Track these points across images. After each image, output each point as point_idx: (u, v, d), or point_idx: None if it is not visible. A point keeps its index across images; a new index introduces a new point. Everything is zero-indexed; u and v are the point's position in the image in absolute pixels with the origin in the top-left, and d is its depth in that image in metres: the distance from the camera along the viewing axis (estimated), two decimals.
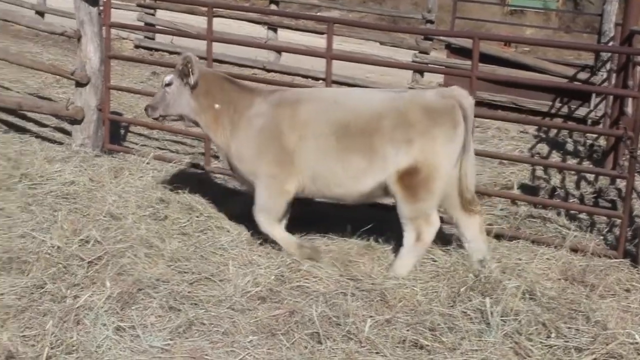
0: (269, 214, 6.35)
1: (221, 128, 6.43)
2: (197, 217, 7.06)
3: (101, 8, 8.81)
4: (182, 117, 6.65)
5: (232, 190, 7.93)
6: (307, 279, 5.92)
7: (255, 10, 20.09)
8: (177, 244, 6.28)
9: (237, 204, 7.28)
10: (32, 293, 5.27)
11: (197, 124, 6.67)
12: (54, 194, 7.22)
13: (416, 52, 16.52)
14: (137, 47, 18.95)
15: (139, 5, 19.23)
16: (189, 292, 5.50)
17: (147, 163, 8.16)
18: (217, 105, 6.41)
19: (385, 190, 6.16)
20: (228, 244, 6.42)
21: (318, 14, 25.67)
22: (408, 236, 6.15)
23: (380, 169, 6.05)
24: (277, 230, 6.39)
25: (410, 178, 5.96)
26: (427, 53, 16.64)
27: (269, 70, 16.78)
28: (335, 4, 23.91)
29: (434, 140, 5.96)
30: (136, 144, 9.83)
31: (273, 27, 17.76)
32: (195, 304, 5.37)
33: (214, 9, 8.60)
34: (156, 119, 6.74)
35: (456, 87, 6.27)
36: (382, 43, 17.85)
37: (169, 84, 6.48)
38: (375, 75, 17.32)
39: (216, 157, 8.73)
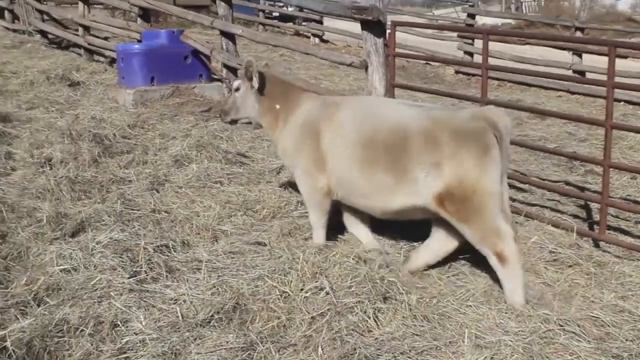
0: (315, 208, 5.37)
1: (277, 126, 5.53)
2: (455, 259, 5.21)
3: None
4: (251, 120, 5.81)
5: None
6: (560, 354, 3.88)
7: (527, 35, 17.02)
8: (416, 297, 4.46)
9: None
10: (236, 357, 3.81)
11: (261, 126, 5.84)
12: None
13: None
14: (457, 72, 17.14)
15: (460, 36, 17.39)
16: None
17: None
18: (277, 106, 5.55)
19: (424, 212, 4.82)
20: (475, 299, 4.51)
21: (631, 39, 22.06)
22: (491, 261, 4.63)
23: (411, 192, 4.74)
24: (320, 231, 5.43)
25: (450, 203, 4.59)
26: None
27: (572, 93, 14.07)
28: None
29: (464, 163, 4.54)
30: None
31: (578, 53, 14.94)
32: None
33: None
34: (229, 122, 5.93)
35: (492, 107, 5.00)
36: None
37: (237, 89, 5.71)
38: None
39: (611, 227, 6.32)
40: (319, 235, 5.44)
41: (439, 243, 5.02)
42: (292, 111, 5.43)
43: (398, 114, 4.97)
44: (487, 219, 4.56)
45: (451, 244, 4.97)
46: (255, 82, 5.50)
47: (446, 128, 4.66)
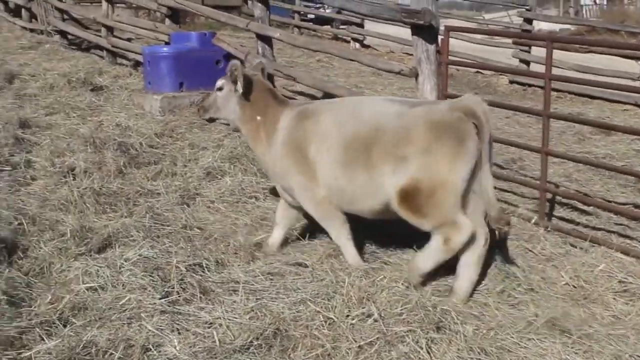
0: (329, 221, 5.51)
1: (260, 140, 5.72)
2: (515, 287, 5.20)
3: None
4: (229, 122, 6.08)
5: (565, 252, 5.85)
6: None
7: (594, 42, 16.75)
8: (472, 327, 4.45)
9: (566, 271, 5.32)
10: None
11: (239, 131, 6.02)
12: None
13: None
14: (511, 82, 17.06)
15: (515, 43, 17.31)
16: None
17: None
18: (259, 117, 5.73)
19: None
20: (537, 331, 4.47)
21: None
22: (435, 238, 4.96)
23: (381, 186, 5.03)
24: (348, 247, 5.50)
25: (412, 199, 4.88)
26: None
27: None
28: None
29: (435, 158, 4.86)
30: None
31: None
32: None
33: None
34: (206, 120, 6.20)
35: (469, 96, 5.20)
36: None
37: (220, 89, 5.88)
38: None
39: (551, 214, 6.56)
40: (349, 252, 5.51)
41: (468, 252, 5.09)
42: (274, 126, 5.60)
43: (377, 112, 5.24)
44: (445, 213, 4.85)
45: (478, 245, 5.04)
46: (240, 87, 5.67)
47: (423, 121, 4.95)
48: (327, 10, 27.14)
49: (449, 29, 7.30)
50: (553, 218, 7.06)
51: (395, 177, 4.93)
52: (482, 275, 5.28)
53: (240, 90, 5.67)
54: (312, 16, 27.31)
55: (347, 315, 4.49)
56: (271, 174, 5.86)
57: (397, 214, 5.09)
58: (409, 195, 4.89)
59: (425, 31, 7.12)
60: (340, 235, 5.50)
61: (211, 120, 6.18)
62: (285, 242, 5.97)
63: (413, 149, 4.89)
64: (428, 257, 5.03)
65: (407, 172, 4.89)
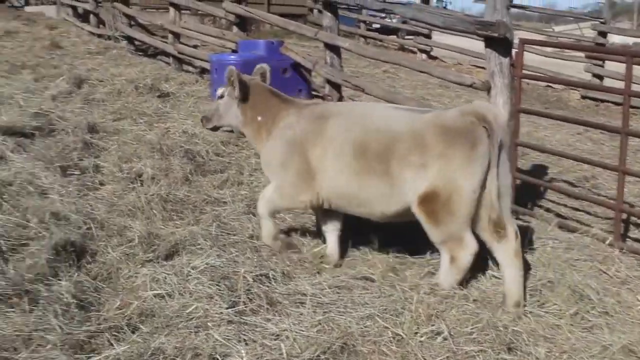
0: (270, 207, 5.86)
1: (261, 139, 5.98)
2: (589, 310, 5.10)
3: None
4: (233, 129, 6.39)
5: None
6: None
7: None
8: (544, 349, 4.39)
9: None
10: None
11: (244, 135, 6.32)
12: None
13: None
14: (583, 97, 16.78)
15: (589, 57, 17.04)
16: None
17: (550, 231, 6.34)
18: (259, 118, 5.99)
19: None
20: (612, 357, 4.42)
21: None
22: (443, 257, 5.26)
23: (401, 194, 5.19)
24: (266, 219, 5.93)
25: (430, 203, 5.04)
26: None
27: None
28: None
29: (450, 163, 5.01)
30: (541, 206, 7.87)
31: None
32: None
33: None
34: (211, 129, 6.41)
35: (480, 102, 5.48)
36: None
37: (221, 97, 6.16)
38: None
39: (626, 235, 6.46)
40: (266, 222, 5.93)
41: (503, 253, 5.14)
42: (276, 124, 5.83)
43: (387, 119, 5.40)
44: (455, 226, 5.02)
45: (510, 242, 5.07)
46: (237, 91, 5.96)
47: (434, 127, 5.10)
48: (393, 20, 27.11)
49: (524, 41, 7.23)
50: (628, 239, 6.92)
51: (416, 183, 5.08)
52: (555, 296, 5.21)
53: (238, 95, 5.95)
54: (378, 26, 27.32)
55: (416, 333, 4.48)
56: (263, 166, 6.08)
57: (404, 218, 5.31)
58: (427, 200, 5.04)
59: (499, 44, 7.05)
60: (266, 217, 5.90)
61: (215, 129, 6.41)
62: (345, 250, 5.99)
63: (428, 155, 5.05)
64: (446, 277, 5.22)
65: (427, 178, 5.04)
